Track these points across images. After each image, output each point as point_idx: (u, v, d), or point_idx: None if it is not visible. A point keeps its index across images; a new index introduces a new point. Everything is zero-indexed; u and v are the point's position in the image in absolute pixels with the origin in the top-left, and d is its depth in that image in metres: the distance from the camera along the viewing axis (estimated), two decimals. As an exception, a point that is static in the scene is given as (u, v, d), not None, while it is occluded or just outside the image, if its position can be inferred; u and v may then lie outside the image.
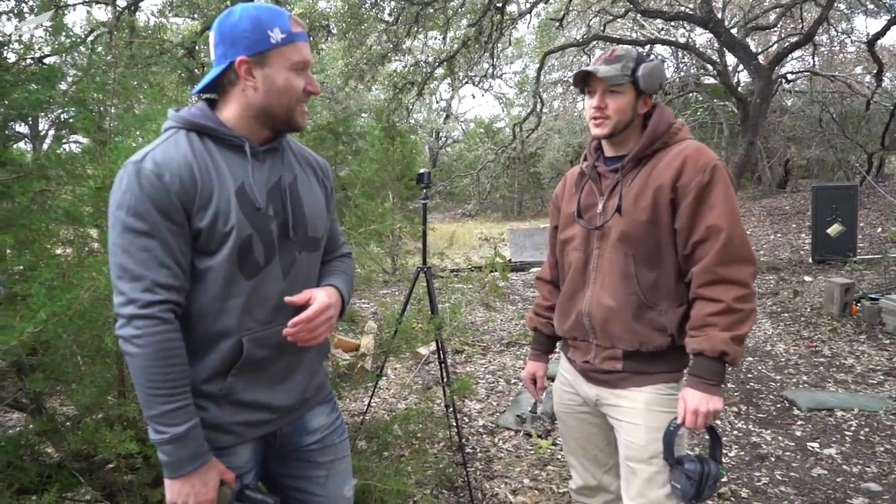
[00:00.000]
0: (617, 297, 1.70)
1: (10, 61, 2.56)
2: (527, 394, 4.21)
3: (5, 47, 2.63)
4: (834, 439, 3.55)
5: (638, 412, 1.71)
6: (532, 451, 3.45)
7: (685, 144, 1.68)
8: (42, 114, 2.38)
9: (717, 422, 3.82)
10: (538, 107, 13.41)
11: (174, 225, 1.21)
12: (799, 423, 3.79)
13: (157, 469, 1.95)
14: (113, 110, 1.94)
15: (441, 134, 31.15)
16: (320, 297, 1.35)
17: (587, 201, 1.81)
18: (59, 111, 2.49)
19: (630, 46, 1.79)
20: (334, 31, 11.47)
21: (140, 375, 1.18)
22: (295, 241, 1.37)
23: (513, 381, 4.80)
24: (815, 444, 3.49)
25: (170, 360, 1.19)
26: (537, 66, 13.12)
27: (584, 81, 1.73)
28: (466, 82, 18.59)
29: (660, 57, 16.06)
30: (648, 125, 1.71)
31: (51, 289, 1.49)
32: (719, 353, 1.55)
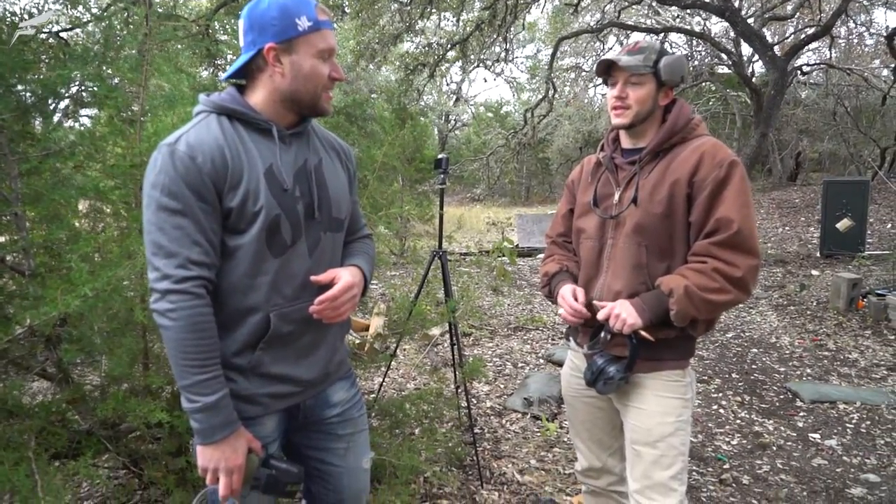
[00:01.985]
0: (627, 286, 1.74)
1: (28, 36, 2.60)
2: (535, 377, 4.28)
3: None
4: (835, 431, 3.60)
5: (644, 397, 1.77)
6: (539, 434, 3.52)
7: (702, 140, 1.71)
8: (64, 90, 2.40)
9: (721, 410, 3.89)
10: (550, 93, 13.37)
11: (206, 204, 1.26)
12: (801, 414, 3.85)
13: (180, 439, 2.02)
14: (143, 90, 1.98)
15: (451, 117, 31.02)
16: (345, 277, 1.41)
17: (603, 191, 1.85)
18: (81, 88, 2.53)
19: (653, 39, 1.82)
20: (348, 11, 11.44)
21: (174, 347, 1.24)
22: (320, 222, 1.43)
23: (520, 364, 4.87)
24: (817, 436, 3.55)
25: (202, 333, 1.25)
26: (550, 51, 13.07)
27: (607, 72, 1.76)
28: (478, 66, 18.49)
29: (673, 45, 15.93)
30: (668, 119, 1.74)
31: (88, 262, 1.54)
32: (669, 289, 1.62)
